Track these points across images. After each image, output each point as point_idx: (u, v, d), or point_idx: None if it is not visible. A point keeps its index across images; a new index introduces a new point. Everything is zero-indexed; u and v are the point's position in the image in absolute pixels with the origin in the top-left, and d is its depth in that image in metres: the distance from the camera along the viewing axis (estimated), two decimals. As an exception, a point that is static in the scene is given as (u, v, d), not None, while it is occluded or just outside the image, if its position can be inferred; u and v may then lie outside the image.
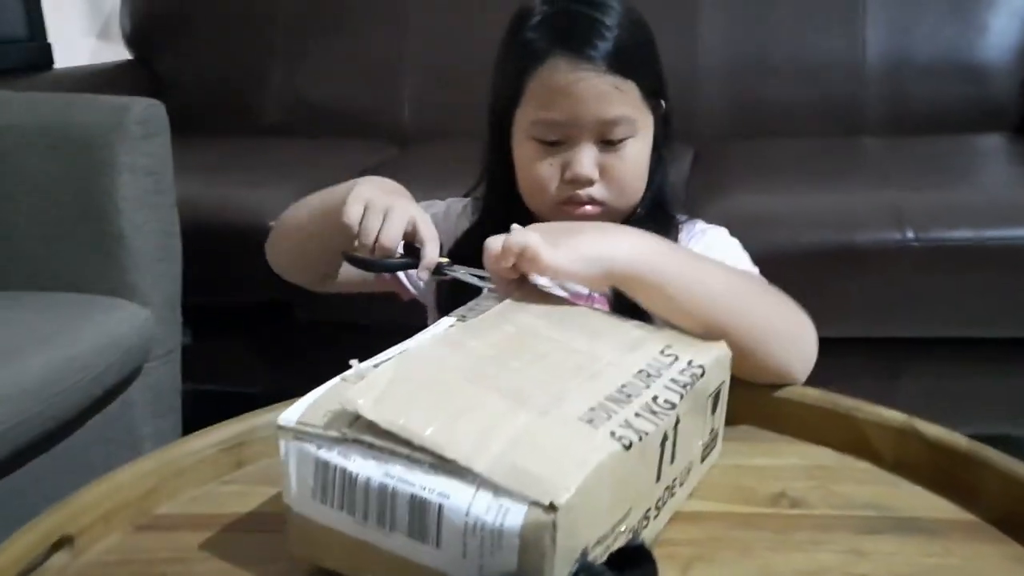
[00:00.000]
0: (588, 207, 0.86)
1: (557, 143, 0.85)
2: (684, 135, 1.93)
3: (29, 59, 2.16)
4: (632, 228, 0.78)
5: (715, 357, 0.64)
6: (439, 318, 0.91)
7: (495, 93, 0.90)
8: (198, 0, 2.25)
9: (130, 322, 1.14)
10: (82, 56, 2.34)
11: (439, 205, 1.01)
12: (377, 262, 0.79)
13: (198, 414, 1.37)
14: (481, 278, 0.76)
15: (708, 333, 0.72)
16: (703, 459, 0.65)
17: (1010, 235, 1.34)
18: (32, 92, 1.31)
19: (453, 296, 0.82)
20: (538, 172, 0.86)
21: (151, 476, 0.68)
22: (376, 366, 0.59)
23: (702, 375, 0.61)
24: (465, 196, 1.00)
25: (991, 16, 1.88)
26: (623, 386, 0.58)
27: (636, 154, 0.87)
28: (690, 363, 0.62)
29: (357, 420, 0.52)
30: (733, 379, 0.68)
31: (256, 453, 0.74)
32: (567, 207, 0.87)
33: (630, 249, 0.70)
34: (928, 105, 1.88)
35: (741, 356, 0.71)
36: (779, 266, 1.32)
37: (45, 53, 2.21)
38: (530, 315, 0.66)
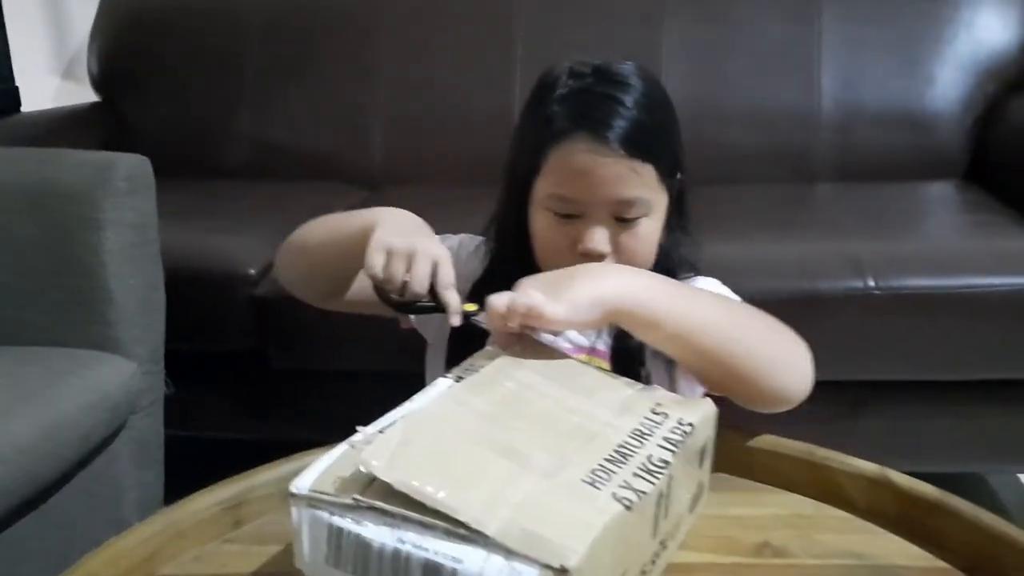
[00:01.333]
0: None
1: (572, 216, 0.87)
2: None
3: (-4, 102, 2.14)
4: (623, 267, 0.81)
5: (703, 414, 0.68)
6: (444, 352, 0.93)
7: (515, 156, 0.92)
8: (166, 42, 2.24)
9: (117, 377, 1.14)
10: (46, 96, 2.32)
11: (452, 240, 1.03)
12: (408, 305, 0.81)
13: (174, 460, 1.38)
14: None
15: (705, 362, 0.76)
16: (691, 510, 0.68)
17: (966, 283, 1.39)
18: (13, 148, 1.30)
19: (463, 338, 0.84)
20: (552, 241, 0.88)
21: (154, 539, 0.69)
22: (381, 431, 0.61)
23: (691, 432, 0.65)
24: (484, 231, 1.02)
25: (938, 68, 1.94)
26: (620, 446, 0.61)
27: (649, 231, 0.88)
28: (680, 421, 0.65)
29: (369, 486, 0.54)
30: None
31: (254, 512, 0.75)
32: None
33: (622, 287, 0.73)
34: (878, 153, 1.94)
35: (739, 382, 0.76)
36: None
37: (12, 96, 2.18)
38: (528, 371, 0.69)
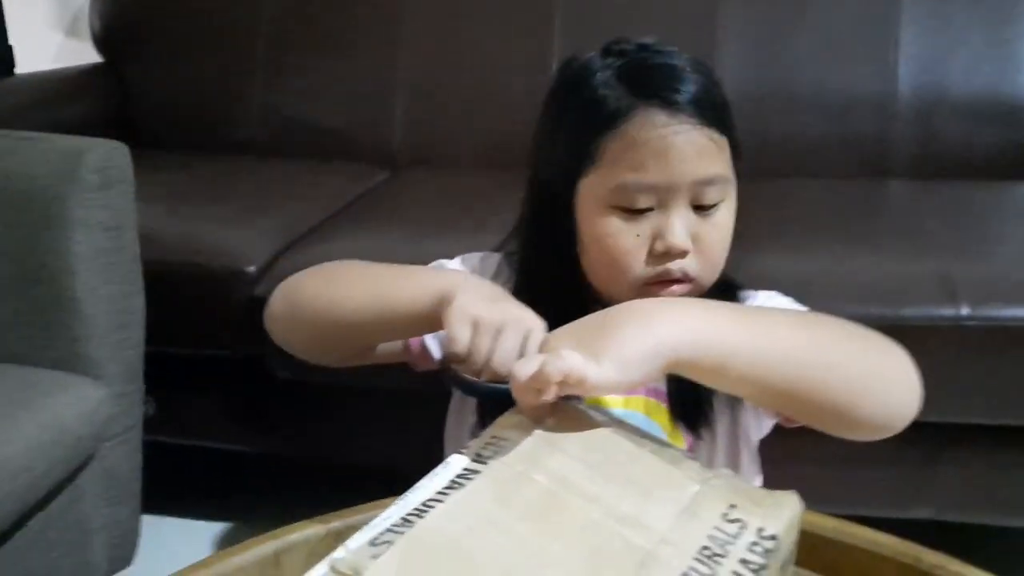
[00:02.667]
0: (676, 286, 0.76)
1: (643, 211, 0.75)
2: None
3: (-13, 63, 1.99)
4: (671, 300, 0.71)
5: (788, 519, 0.54)
6: (472, 411, 0.81)
7: (546, 163, 0.80)
8: (173, 2, 2.09)
9: (80, 406, 0.99)
10: (47, 56, 2.19)
11: (472, 259, 0.91)
12: (482, 387, 0.67)
13: (164, 471, 1.26)
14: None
15: (788, 400, 0.65)
16: None
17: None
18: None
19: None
20: (621, 246, 0.75)
21: None
22: (372, 542, 0.46)
23: (775, 547, 0.51)
24: (497, 250, 0.91)
25: (1034, 53, 1.75)
26: None
27: (726, 221, 0.78)
28: (760, 532, 0.52)
29: None
30: None
31: None
32: (653, 287, 0.76)
33: (678, 328, 0.59)
34: (963, 148, 1.75)
35: (832, 414, 0.66)
36: None
37: (6, 57, 2.04)
38: (564, 456, 0.54)
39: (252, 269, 1.41)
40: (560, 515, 0.49)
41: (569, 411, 0.59)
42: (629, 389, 0.61)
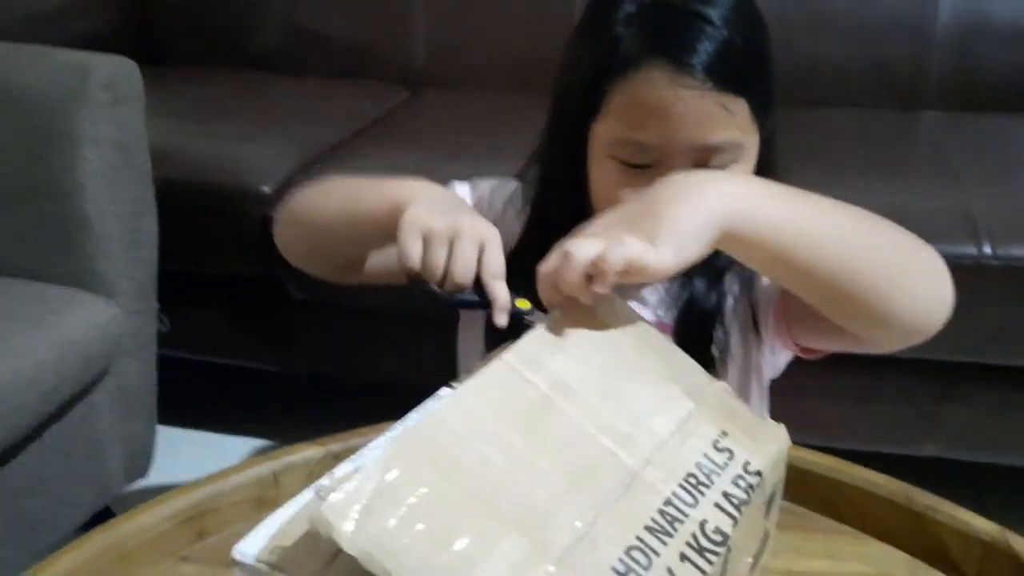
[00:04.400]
0: None
1: (642, 166, 0.72)
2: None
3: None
4: (714, 172, 0.68)
5: (775, 454, 0.54)
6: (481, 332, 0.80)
7: (567, 87, 0.77)
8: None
9: (91, 322, 1.00)
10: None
11: (482, 187, 0.89)
12: (447, 297, 0.67)
13: (178, 384, 1.29)
14: None
15: (831, 284, 0.63)
16: (752, 570, 0.54)
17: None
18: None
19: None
20: (617, 197, 0.73)
21: (93, 562, 0.60)
22: (357, 470, 0.45)
23: (759, 483, 0.51)
24: (516, 177, 0.87)
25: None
26: (667, 504, 0.47)
27: None
28: (746, 466, 0.51)
29: (336, 558, 0.40)
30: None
31: (221, 522, 0.66)
32: None
33: (729, 200, 0.58)
34: (1003, 78, 1.67)
35: (869, 306, 0.64)
36: None
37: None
38: (567, 358, 0.52)
39: (267, 189, 1.40)
40: (552, 427, 0.49)
41: (583, 307, 0.56)
42: (682, 268, 0.58)
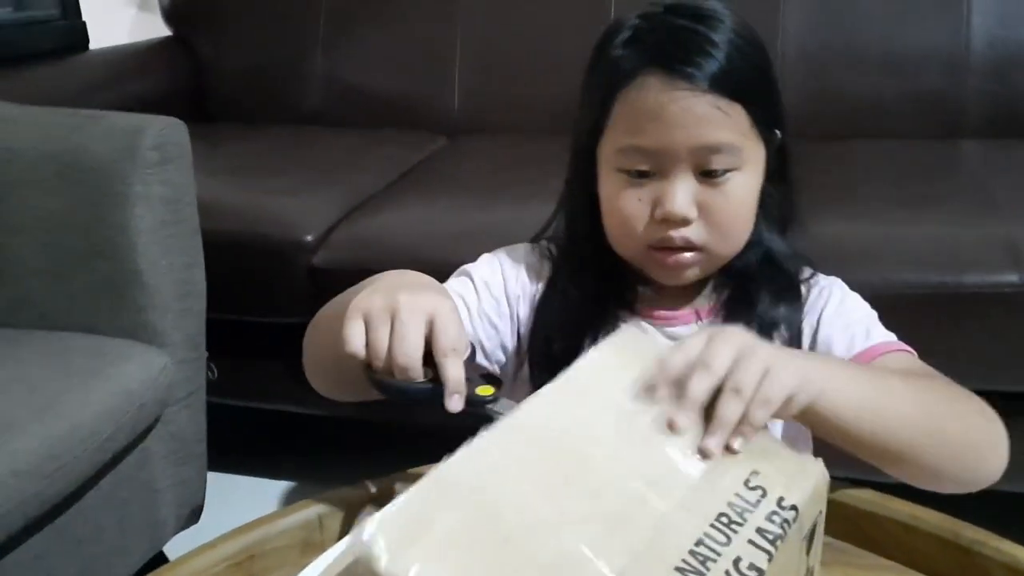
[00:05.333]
0: (685, 254, 0.74)
1: (647, 174, 0.73)
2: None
3: (64, 40, 2.06)
4: (790, 350, 0.69)
5: (811, 489, 0.53)
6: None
7: (578, 124, 0.78)
8: (238, -27, 2.13)
9: (145, 372, 1.04)
10: (120, 32, 2.23)
11: (517, 251, 0.85)
12: (396, 386, 0.60)
13: (226, 433, 1.31)
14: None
15: (895, 459, 0.64)
16: None
17: None
18: (42, 109, 1.18)
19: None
20: (624, 209, 0.74)
21: None
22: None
23: (795, 518, 0.50)
24: (533, 240, 0.86)
25: (1119, 3, 1.65)
26: (698, 543, 0.46)
27: (741, 190, 0.74)
28: (781, 502, 0.50)
29: None
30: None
31: (269, 567, 0.66)
32: (658, 253, 0.74)
33: (804, 380, 0.58)
34: (1040, 106, 1.66)
35: (923, 475, 0.66)
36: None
37: (80, 33, 2.10)
38: (600, 402, 0.53)
39: (310, 238, 1.44)
40: (588, 469, 0.48)
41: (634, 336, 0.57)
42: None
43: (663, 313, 0.79)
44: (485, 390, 0.60)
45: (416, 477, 0.49)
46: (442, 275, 0.84)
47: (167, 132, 1.08)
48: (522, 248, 0.85)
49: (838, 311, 0.78)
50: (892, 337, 0.78)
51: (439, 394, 0.59)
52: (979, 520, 0.66)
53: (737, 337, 0.57)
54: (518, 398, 0.80)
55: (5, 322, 1.12)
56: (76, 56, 2.02)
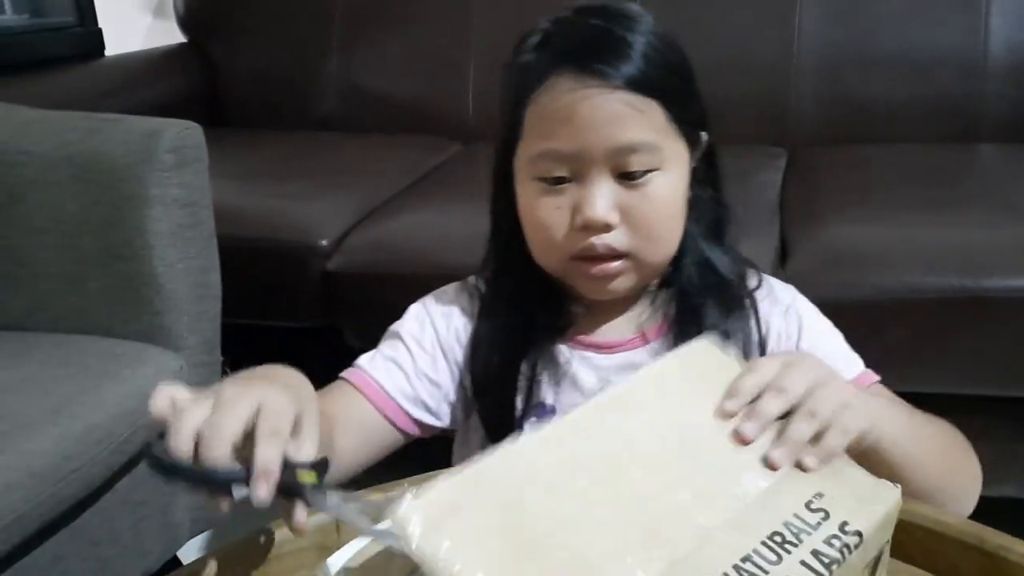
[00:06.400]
0: (611, 263, 0.71)
1: (564, 180, 0.70)
2: (776, 138, 1.76)
3: (80, 46, 2.07)
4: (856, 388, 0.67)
5: (881, 515, 0.50)
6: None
7: (497, 134, 0.76)
8: (253, -20, 2.14)
9: (161, 376, 1.04)
10: (135, 39, 2.25)
11: (448, 293, 0.82)
12: (183, 468, 0.50)
13: None
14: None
15: (907, 480, 0.62)
16: None
17: None
18: (59, 113, 1.19)
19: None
20: (543, 219, 0.71)
21: None
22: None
23: (858, 544, 0.48)
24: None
25: None
26: (745, 559, 0.44)
27: (664, 191, 0.71)
28: (844, 527, 0.48)
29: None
30: None
31: (285, 569, 0.65)
32: (583, 263, 0.71)
33: (878, 413, 0.61)
34: (1060, 109, 1.65)
35: (923, 495, 0.67)
36: (888, 315, 1.19)
37: (96, 39, 2.11)
38: (654, 409, 0.52)
39: (325, 243, 1.44)
40: (632, 479, 0.47)
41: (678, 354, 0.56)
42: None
43: (610, 340, 0.76)
44: (307, 476, 0.51)
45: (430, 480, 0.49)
46: (457, 279, 0.83)
47: (184, 135, 1.08)
48: (451, 290, 0.82)
49: (814, 344, 0.76)
50: (861, 362, 0.78)
51: (239, 479, 0.49)
52: (1003, 526, 0.65)
53: (814, 366, 0.56)
54: (472, 444, 0.79)
55: (21, 325, 1.12)
56: (92, 62, 2.03)
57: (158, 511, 1.10)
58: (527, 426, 0.76)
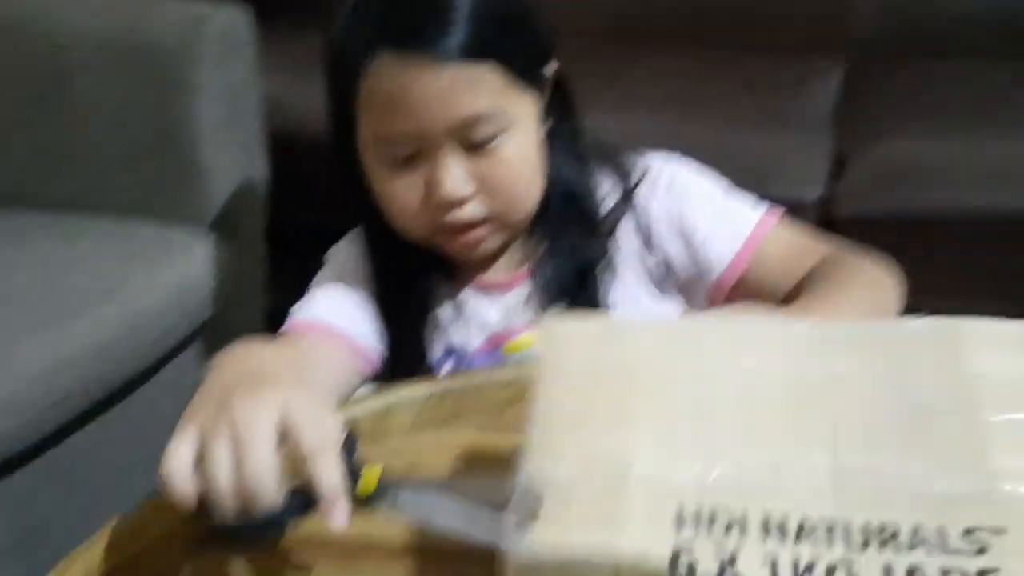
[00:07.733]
0: (474, 231, 0.69)
1: (410, 159, 0.67)
2: (833, 51, 1.68)
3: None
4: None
5: None
6: None
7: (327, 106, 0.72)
8: None
9: (207, 264, 1.04)
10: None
11: (332, 268, 0.80)
12: (250, 528, 0.43)
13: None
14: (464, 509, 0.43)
15: None
16: None
17: None
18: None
19: None
20: (398, 200, 0.69)
21: None
22: None
23: None
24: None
25: None
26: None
27: (516, 152, 0.69)
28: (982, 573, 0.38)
29: None
30: None
31: None
32: (446, 237, 0.70)
33: None
34: None
35: None
36: (941, 232, 1.15)
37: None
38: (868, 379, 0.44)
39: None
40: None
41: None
42: None
43: (500, 279, 0.75)
44: (371, 476, 0.44)
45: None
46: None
47: (231, 22, 1.06)
48: (343, 245, 0.80)
49: (702, 211, 0.74)
50: (759, 205, 0.75)
51: (305, 505, 0.43)
52: None
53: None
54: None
55: (74, 204, 1.11)
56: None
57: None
58: (442, 372, 0.75)
